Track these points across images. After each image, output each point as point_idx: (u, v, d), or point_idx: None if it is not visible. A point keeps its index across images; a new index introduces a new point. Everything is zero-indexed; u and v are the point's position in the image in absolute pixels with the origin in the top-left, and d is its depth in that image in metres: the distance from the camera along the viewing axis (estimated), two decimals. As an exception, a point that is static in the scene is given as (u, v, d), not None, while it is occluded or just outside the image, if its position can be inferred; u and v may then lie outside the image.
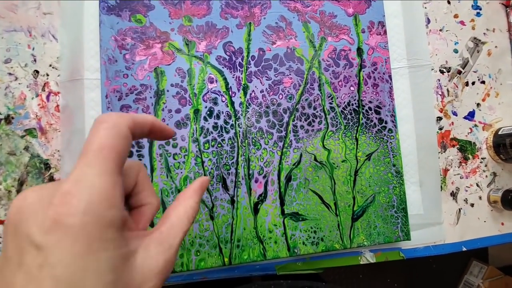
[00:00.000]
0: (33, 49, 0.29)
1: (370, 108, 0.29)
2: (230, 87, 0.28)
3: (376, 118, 0.29)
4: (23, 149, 0.28)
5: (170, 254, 0.13)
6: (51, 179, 0.28)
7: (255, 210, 0.27)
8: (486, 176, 0.34)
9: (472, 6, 0.35)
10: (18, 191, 0.28)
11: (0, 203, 0.27)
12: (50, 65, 0.29)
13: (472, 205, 0.34)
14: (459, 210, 0.33)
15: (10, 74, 0.29)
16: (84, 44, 0.28)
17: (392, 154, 0.29)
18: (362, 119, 0.29)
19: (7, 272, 0.11)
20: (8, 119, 0.28)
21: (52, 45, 0.29)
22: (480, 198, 0.34)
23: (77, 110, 0.28)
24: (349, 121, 0.29)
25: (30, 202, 0.11)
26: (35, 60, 0.29)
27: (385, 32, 0.30)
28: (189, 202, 0.15)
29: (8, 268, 0.11)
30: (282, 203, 0.27)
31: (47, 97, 0.29)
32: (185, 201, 0.15)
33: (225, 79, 0.28)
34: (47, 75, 0.29)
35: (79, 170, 0.11)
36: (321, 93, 0.29)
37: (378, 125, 0.29)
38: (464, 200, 0.33)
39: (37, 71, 0.29)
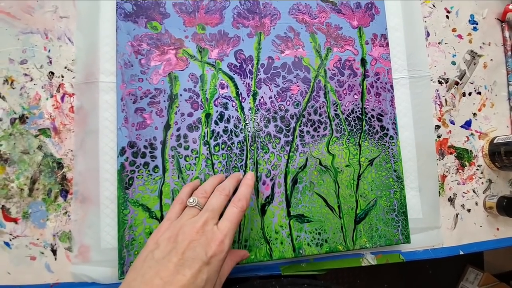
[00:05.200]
0: (49, 51, 0.30)
1: (372, 116, 0.31)
2: (240, 93, 0.29)
3: (378, 125, 0.31)
4: (36, 148, 0.29)
5: (222, 280, 0.24)
6: (64, 178, 0.29)
7: (262, 212, 0.28)
8: (482, 182, 0.36)
9: (469, 21, 0.37)
10: (31, 190, 0.28)
11: (12, 201, 0.28)
12: (65, 67, 0.30)
13: (468, 210, 0.35)
14: (456, 215, 0.34)
15: (25, 75, 0.29)
16: (100, 48, 0.29)
17: (393, 160, 0.30)
18: (365, 126, 0.30)
19: (181, 265, 0.20)
20: (22, 119, 0.29)
21: (67, 48, 0.30)
22: (476, 203, 0.35)
23: (91, 111, 0.29)
24: (353, 127, 0.30)
25: (201, 238, 0.21)
26: (50, 62, 0.30)
27: (387, 44, 0.32)
28: (237, 258, 0.25)
29: (183, 264, 0.20)
30: (288, 205, 0.28)
31: (62, 98, 0.29)
32: (231, 261, 0.25)
33: (235, 85, 0.29)
34: (62, 76, 0.30)
35: (227, 228, 0.22)
36: (326, 100, 0.30)
37: (380, 132, 0.31)
38: (461, 206, 0.35)
39: (52, 73, 0.30)
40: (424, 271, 0.91)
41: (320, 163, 0.29)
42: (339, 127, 0.30)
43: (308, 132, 0.29)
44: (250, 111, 0.29)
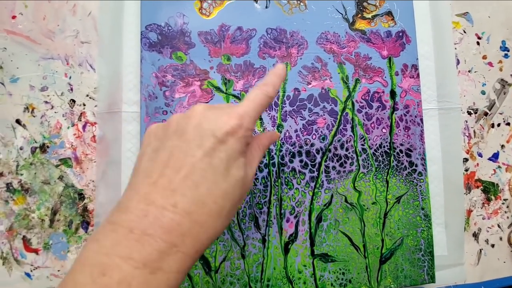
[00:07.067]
0: (70, 78, 0.29)
1: (401, 151, 0.30)
2: (265, 127, 0.28)
3: (406, 161, 0.30)
4: (57, 179, 0.28)
5: (254, 170, 0.19)
6: (85, 209, 0.28)
7: (286, 250, 0.27)
8: (507, 217, 0.35)
9: (501, 47, 0.36)
10: (51, 221, 0.28)
11: (33, 232, 0.28)
12: (87, 95, 0.29)
13: (492, 245, 0.34)
14: (480, 251, 0.34)
15: (46, 102, 0.29)
16: (123, 77, 0.28)
17: (421, 198, 0.30)
18: (393, 161, 0.29)
19: (188, 147, 0.16)
20: (43, 148, 0.28)
21: (89, 75, 0.29)
22: (500, 239, 0.34)
23: (114, 142, 0.28)
24: (380, 163, 0.29)
25: (208, 113, 0.17)
26: (71, 89, 0.29)
27: (418, 75, 0.31)
28: (264, 142, 0.21)
29: (190, 145, 0.16)
30: (312, 244, 0.28)
31: (83, 127, 0.29)
32: (258, 147, 0.20)
33: (260, 117, 0.28)
34: (84, 105, 0.29)
35: (246, 105, 0.17)
36: (353, 134, 0.29)
37: (409, 168, 0.30)
38: (485, 241, 0.34)
39: (73, 101, 0.29)
40: None
41: (346, 200, 0.28)
42: (366, 162, 0.29)
43: (334, 167, 0.29)
44: (275, 145, 0.28)
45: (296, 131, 0.29)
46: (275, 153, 0.28)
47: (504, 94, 0.36)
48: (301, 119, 0.29)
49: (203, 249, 0.16)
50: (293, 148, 0.28)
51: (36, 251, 0.28)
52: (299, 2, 0.29)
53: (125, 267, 0.13)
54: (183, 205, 0.15)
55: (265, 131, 0.28)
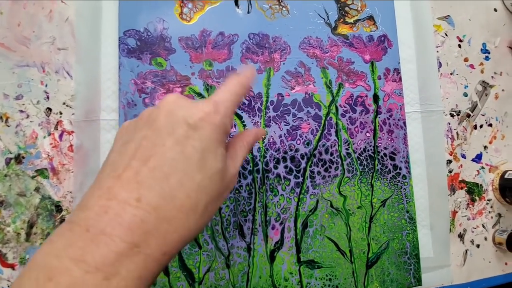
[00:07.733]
0: (46, 85, 0.28)
1: (385, 154, 0.30)
2: (249, 132, 0.28)
3: (391, 164, 0.30)
4: (33, 190, 0.27)
5: (237, 167, 0.18)
6: (63, 221, 0.27)
7: (271, 258, 0.27)
8: (492, 217, 0.35)
9: (481, 49, 0.36)
10: (28, 234, 0.27)
11: (9, 246, 0.26)
12: (64, 103, 0.28)
13: (478, 246, 0.34)
14: (466, 251, 0.34)
15: (21, 111, 0.28)
16: (101, 84, 0.27)
17: (406, 201, 0.30)
18: (377, 165, 0.29)
19: (157, 136, 0.15)
20: (18, 159, 0.27)
21: (66, 82, 0.28)
22: (485, 239, 0.35)
23: (92, 151, 0.27)
24: (365, 167, 0.29)
25: (182, 101, 0.16)
26: (48, 97, 0.28)
27: (400, 79, 0.31)
28: (248, 138, 0.20)
29: (160, 134, 0.15)
30: (298, 251, 0.27)
31: (60, 136, 0.28)
32: (243, 144, 0.19)
33: (244, 124, 0.28)
34: (60, 113, 0.28)
35: (222, 94, 0.17)
36: (338, 139, 0.29)
37: (393, 172, 0.30)
38: (471, 241, 0.34)
39: (49, 109, 0.28)
40: None
41: (331, 205, 0.28)
42: (351, 166, 0.29)
43: (319, 172, 0.28)
44: (259, 152, 0.28)
45: (280, 136, 0.28)
46: (259, 160, 0.28)
47: (486, 95, 0.36)
48: (285, 125, 0.28)
49: (173, 251, 0.14)
50: (277, 154, 0.28)
51: (12, 266, 0.26)
52: (281, 7, 0.29)
53: (75, 271, 0.12)
54: (149, 199, 0.13)
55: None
